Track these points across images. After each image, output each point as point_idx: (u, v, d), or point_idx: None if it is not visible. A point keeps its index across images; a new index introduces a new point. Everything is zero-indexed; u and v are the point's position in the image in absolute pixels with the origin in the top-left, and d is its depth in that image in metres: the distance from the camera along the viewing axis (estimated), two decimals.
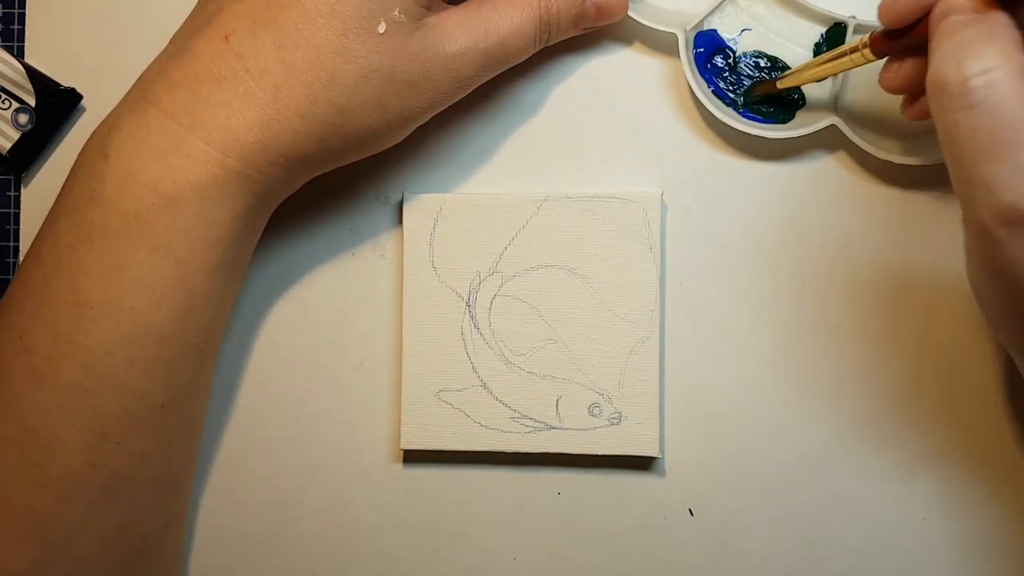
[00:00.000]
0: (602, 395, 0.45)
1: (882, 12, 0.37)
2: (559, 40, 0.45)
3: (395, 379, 0.47)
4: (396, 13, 0.39)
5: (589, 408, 0.45)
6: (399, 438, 0.46)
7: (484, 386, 0.45)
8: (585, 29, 0.45)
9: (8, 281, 0.49)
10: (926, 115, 0.38)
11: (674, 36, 0.44)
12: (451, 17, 0.41)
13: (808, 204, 0.45)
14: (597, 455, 0.45)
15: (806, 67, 0.42)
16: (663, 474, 0.46)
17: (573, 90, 0.47)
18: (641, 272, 0.45)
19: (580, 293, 0.45)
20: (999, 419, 0.45)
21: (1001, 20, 0.33)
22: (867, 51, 0.39)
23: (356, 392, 0.47)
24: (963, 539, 0.44)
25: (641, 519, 0.46)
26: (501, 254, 0.45)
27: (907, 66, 0.38)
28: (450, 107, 0.43)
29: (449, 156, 0.47)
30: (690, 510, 0.46)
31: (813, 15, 0.44)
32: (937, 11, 0.34)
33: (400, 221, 0.46)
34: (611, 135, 0.46)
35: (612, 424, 0.44)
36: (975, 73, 0.31)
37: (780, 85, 0.43)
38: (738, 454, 0.45)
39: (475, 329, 0.45)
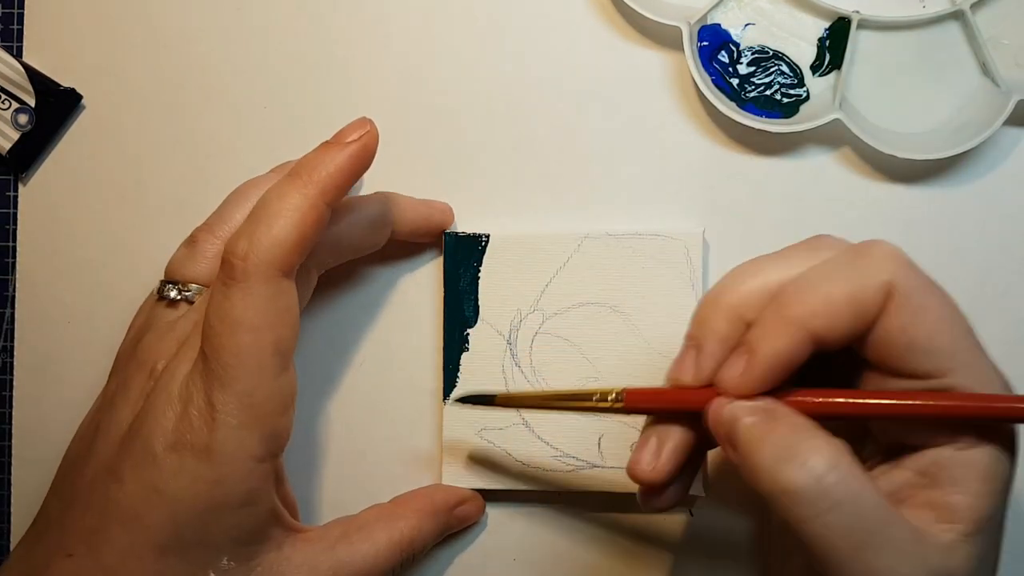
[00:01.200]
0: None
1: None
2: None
3: (437, 417, 0.46)
4: (225, 562, 0.37)
5: (631, 446, 0.43)
6: (440, 476, 0.45)
7: (525, 424, 0.45)
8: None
9: (7, 282, 0.49)
10: (672, 504, 0.36)
11: (678, 29, 0.44)
12: (297, 554, 0.39)
13: (810, 200, 0.45)
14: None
15: (541, 396, 0.41)
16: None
17: (573, 84, 0.46)
18: (683, 310, 0.43)
19: (621, 331, 0.44)
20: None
21: (788, 411, 0.32)
22: (619, 404, 0.36)
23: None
24: None
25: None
26: (542, 292, 0.45)
27: (671, 449, 0.35)
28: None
29: (450, 160, 0.47)
30: (690, 511, 0.45)
31: (817, 9, 0.44)
32: (719, 414, 0.33)
33: (442, 254, 0.46)
34: (612, 130, 0.46)
35: None
36: (824, 472, 0.30)
37: (498, 402, 0.42)
38: None
39: (516, 367, 0.45)
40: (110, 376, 0.41)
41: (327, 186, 0.38)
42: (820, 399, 0.32)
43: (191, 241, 0.42)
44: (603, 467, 0.44)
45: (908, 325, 0.31)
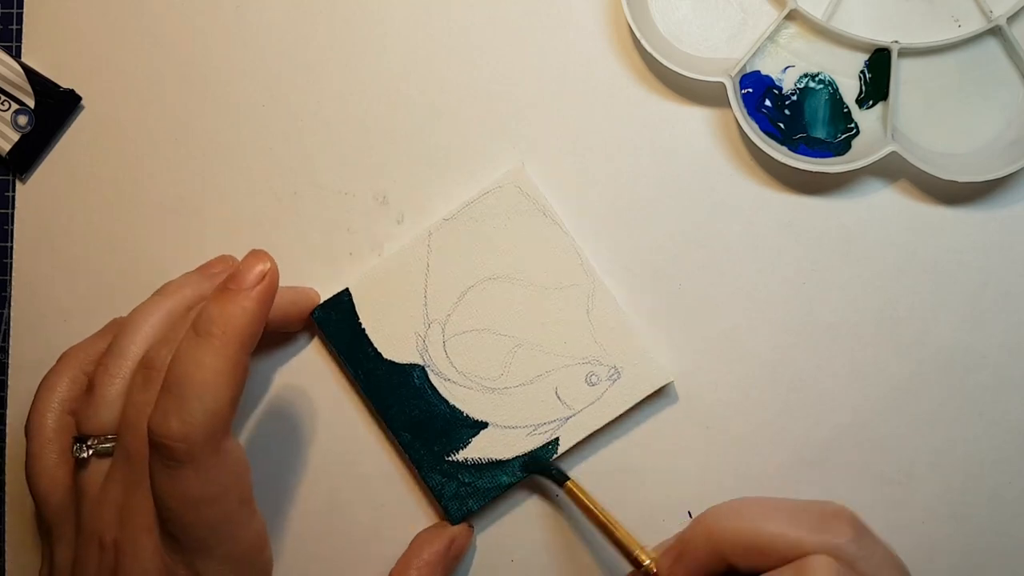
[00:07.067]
0: (590, 362, 0.44)
1: None
2: None
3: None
4: None
5: (587, 379, 0.44)
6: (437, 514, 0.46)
7: (486, 425, 0.44)
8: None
9: (4, 282, 0.48)
10: None
11: (720, 85, 0.43)
12: None
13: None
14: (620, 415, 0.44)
15: (601, 515, 0.41)
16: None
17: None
18: (550, 240, 0.45)
19: (513, 291, 0.45)
20: (999, 419, 0.44)
21: None
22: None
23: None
24: (963, 542, 0.44)
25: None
26: (424, 304, 0.45)
27: None
28: None
29: None
30: (689, 512, 0.45)
31: (854, 44, 0.44)
32: None
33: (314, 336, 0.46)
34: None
35: (614, 380, 0.44)
36: None
37: (570, 484, 0.43)
38: (737, 457, 0.45)
39: (447, 381, 0.45)
40: (50, 541, 0.41)
41: (244, 339, 0.37)
42: None
43: (88, 388, 0.40)
44: (575, 414, 0.44)
45: None
